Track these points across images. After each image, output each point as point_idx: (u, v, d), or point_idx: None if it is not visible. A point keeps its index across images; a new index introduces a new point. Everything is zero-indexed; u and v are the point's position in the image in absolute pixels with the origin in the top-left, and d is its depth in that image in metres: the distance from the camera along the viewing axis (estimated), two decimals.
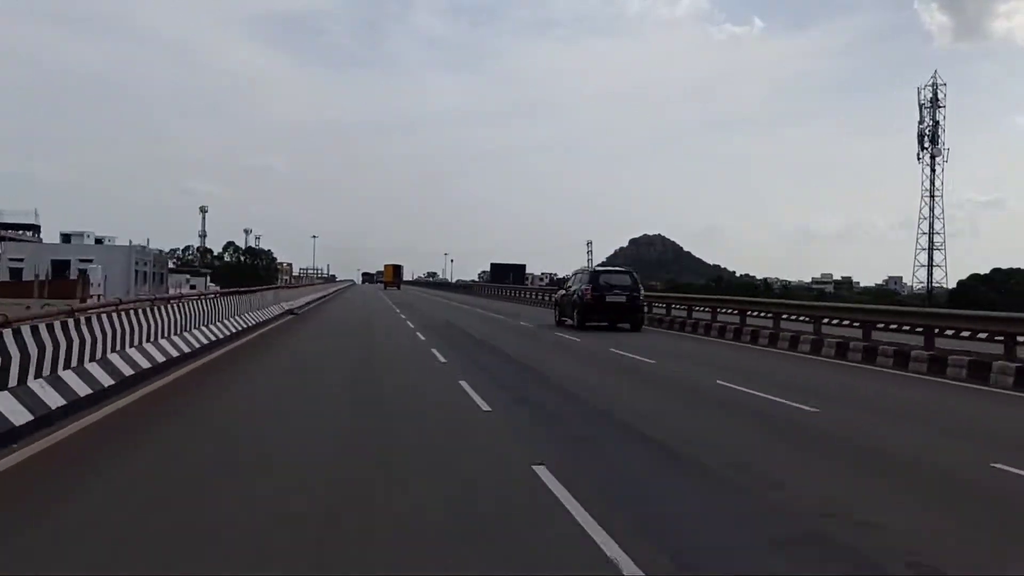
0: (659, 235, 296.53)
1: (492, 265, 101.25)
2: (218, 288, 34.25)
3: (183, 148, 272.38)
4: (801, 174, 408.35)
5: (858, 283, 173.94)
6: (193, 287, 48.26)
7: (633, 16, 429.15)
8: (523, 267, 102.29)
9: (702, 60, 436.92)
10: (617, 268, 30.13)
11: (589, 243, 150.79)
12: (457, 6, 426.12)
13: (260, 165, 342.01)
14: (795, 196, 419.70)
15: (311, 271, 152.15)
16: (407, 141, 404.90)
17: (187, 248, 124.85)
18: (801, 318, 22.45)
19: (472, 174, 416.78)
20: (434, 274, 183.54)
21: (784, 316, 22.00)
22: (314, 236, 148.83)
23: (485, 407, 9.24)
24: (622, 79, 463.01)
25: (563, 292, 27.74)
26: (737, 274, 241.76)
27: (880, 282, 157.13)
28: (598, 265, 55.68)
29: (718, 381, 12.22)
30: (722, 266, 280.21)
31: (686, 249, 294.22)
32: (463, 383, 11.00)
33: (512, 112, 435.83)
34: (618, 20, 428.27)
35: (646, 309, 26.67)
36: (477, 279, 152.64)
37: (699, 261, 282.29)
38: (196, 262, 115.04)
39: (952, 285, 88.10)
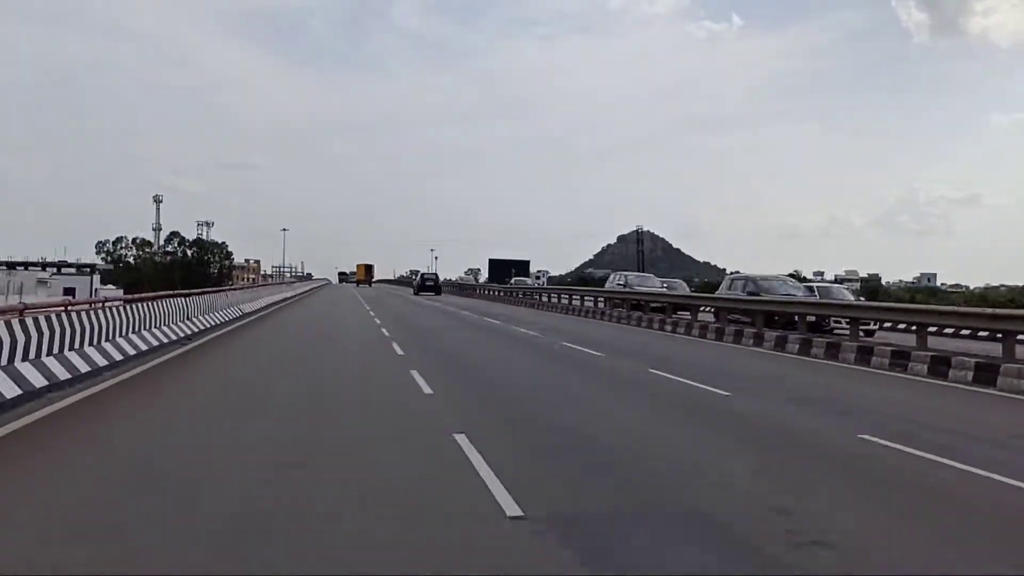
0: (648, 231, 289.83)
1: (490, 261, 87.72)
2: (118, 296, 24.97)
3: (163, 145, 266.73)
4: (782, 171, 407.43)
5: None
6: (69, 293, 35.16)
7: (614, 11, 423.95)
8: (527, 264, 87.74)
9: (682, 58, 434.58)
10: (432, 272, 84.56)
11: (640, 229, 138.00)
12: (441, 5, 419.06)
13: (241, 163, 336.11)
14: (778, 193, 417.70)
15: (285, 269, 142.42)
16: (390, 139, 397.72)
17: (119, 240, 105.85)
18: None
19: (458, 172, 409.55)
20: (417, 271, 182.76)
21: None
22: (284, 229, 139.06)
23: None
24: (603, 77, 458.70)
25: (414, 280, 75.66)
26: (728, 271, 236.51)
27: (912, 279, 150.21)
28: (586, 262, 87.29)
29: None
30: (712, 263, 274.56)
31: (675, 246, 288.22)
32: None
33: (495, 111, 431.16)
34: (599, 17, 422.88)
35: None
36: (464, 275, 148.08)
37: (689, 258, 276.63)
38: (135, 257, 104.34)
39: None
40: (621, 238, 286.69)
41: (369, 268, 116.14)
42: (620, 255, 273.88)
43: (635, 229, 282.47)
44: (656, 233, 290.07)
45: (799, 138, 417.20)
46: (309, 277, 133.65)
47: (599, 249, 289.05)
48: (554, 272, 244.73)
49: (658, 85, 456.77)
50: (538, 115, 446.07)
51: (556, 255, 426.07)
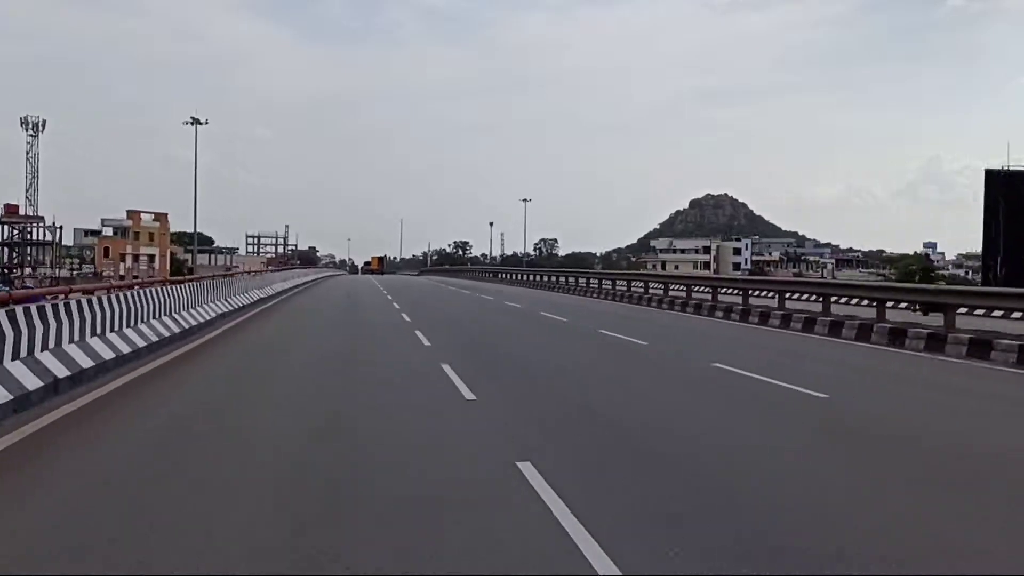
0: (726, 195, 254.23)
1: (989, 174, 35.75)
2: None
3: (173, 119, 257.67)
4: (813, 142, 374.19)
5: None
6: None
7: None
8: None
9: (700, 28, 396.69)
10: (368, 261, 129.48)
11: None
12: None
13: (251, 136, 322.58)
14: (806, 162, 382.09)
15: (276, 244, 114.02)
16: (402, 114, 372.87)
17: None
18: None
19: (474, 147, 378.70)
20: (465, 244, 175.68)
21: None
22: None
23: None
24: (620, 48, 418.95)
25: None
26: (821, 241, 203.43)
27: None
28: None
29: None
30: (800, 233, 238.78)
31: (757, 213, 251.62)
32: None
33: (518, 82, 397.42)
34: None
35: None
36: (532, 254, 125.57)
37: (773, 226, 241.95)
38: None
39: None
40: (695, 203, 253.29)
41: (382, 259, 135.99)
42: (694, 222, 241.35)
43: (708, 194, 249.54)
44: (736, 198, 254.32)
45: (821, 109, 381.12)
46: (310, 260, 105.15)
47: (667, 216, 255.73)
48: (615, 244, 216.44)
49: (677, 57, 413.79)
50: (559, 86, 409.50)
51: (612, 226, 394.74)
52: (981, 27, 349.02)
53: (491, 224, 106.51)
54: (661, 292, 30.55)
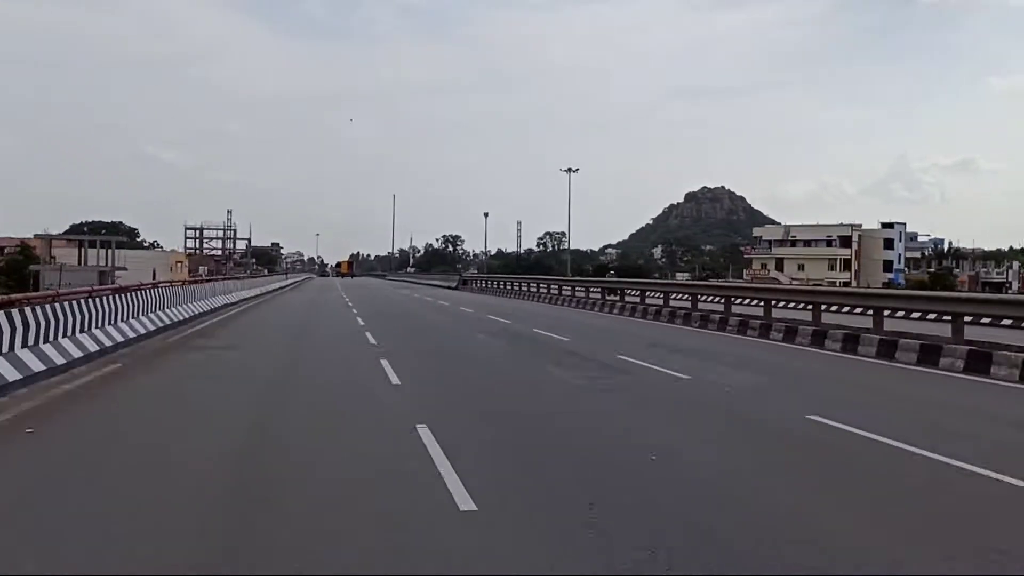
0: (723, 188, 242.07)
1: None
2: None
3: (144, 117, 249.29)
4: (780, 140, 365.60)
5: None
6: None
7: None
8: None
9: (679, 26, 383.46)
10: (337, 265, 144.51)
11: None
12: None
13: (225, 134, 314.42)
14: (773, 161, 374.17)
15: (224, 239, 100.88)
16: (381, 112, 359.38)
17: None
18: None
19: (451, 145, 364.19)
20: (456, 238, 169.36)
21: None
22: None
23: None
24: (602, 45, 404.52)
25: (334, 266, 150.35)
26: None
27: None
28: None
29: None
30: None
31: (755, 207, 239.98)
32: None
33: (501, 80, 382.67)
34: None
35: None
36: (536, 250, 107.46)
37: (771, 221, 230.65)
38: None
39: None
40: (690, 196, 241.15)
41: (351, 264, 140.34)
42: (691, 216, 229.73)
43: (704, 187, 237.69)
44: (735, 192, 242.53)
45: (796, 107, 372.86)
46: (265, 262, 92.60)
47: (660, 211, 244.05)
48: (605, 241, 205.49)
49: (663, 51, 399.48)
50: (532, 84, 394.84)
51: (603, 223, 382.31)
52: (955, 27, 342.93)
53: (486, 215, 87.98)
54: None
